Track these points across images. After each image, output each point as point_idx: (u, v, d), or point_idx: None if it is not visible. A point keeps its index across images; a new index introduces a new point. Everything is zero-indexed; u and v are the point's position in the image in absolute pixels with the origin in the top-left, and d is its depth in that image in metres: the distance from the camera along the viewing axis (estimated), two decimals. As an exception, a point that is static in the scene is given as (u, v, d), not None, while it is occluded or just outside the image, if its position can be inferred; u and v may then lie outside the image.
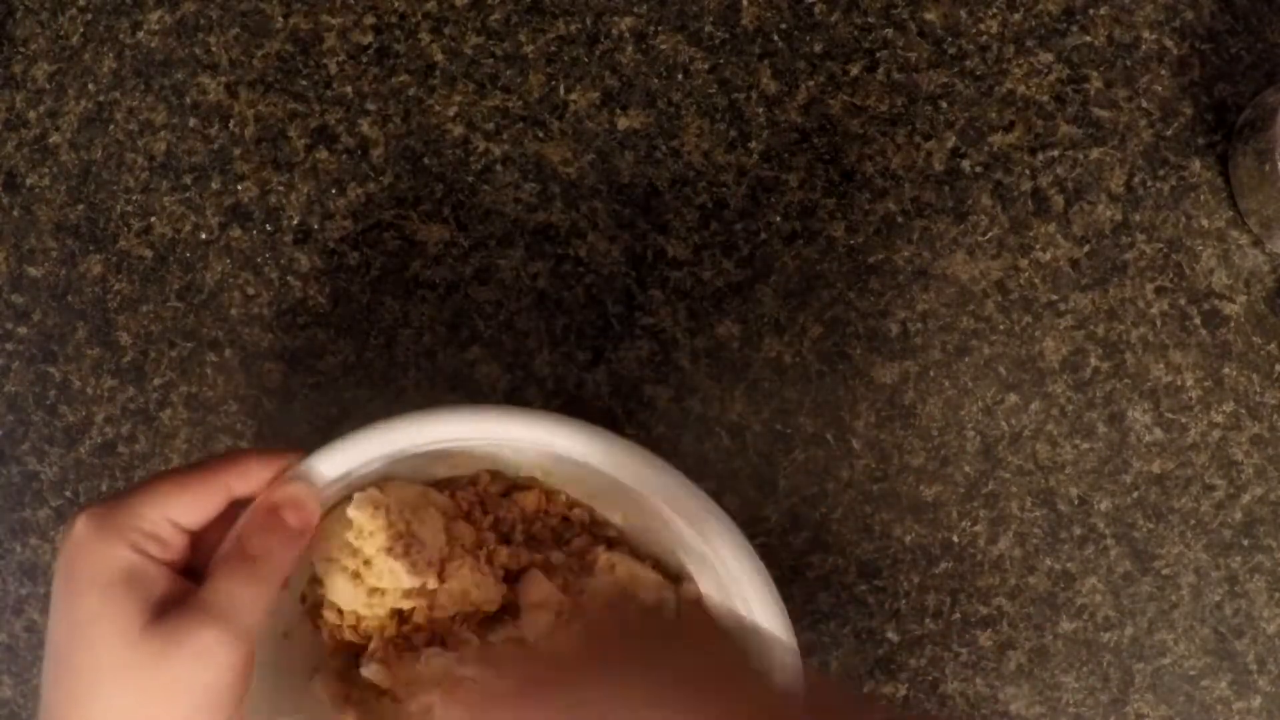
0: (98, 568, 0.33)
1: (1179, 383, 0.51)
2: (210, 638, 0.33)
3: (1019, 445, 0.51)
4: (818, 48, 0.52)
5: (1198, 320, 0.51)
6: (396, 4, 0.52)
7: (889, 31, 0.52)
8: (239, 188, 0.52)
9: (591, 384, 0.51)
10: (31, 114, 0.53)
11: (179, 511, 0.35)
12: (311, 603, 0.41)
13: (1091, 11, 0.52)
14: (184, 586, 0.35)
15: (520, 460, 0.41)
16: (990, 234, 0.51)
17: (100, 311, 0.52)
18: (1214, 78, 0.52)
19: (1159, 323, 0.51)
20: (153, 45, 0.53)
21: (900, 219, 0.51)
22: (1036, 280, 0.51)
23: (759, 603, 0.38)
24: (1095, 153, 0.52)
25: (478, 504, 0.42)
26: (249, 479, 0.36)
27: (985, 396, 0.51)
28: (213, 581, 0.34)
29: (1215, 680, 0.50)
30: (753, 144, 0.52)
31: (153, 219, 0.52)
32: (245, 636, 0.34)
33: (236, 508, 0.37)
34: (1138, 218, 0.51)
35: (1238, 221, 0.51)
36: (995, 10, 0.52)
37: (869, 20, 0.52)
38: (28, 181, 0.52)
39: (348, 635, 0.40)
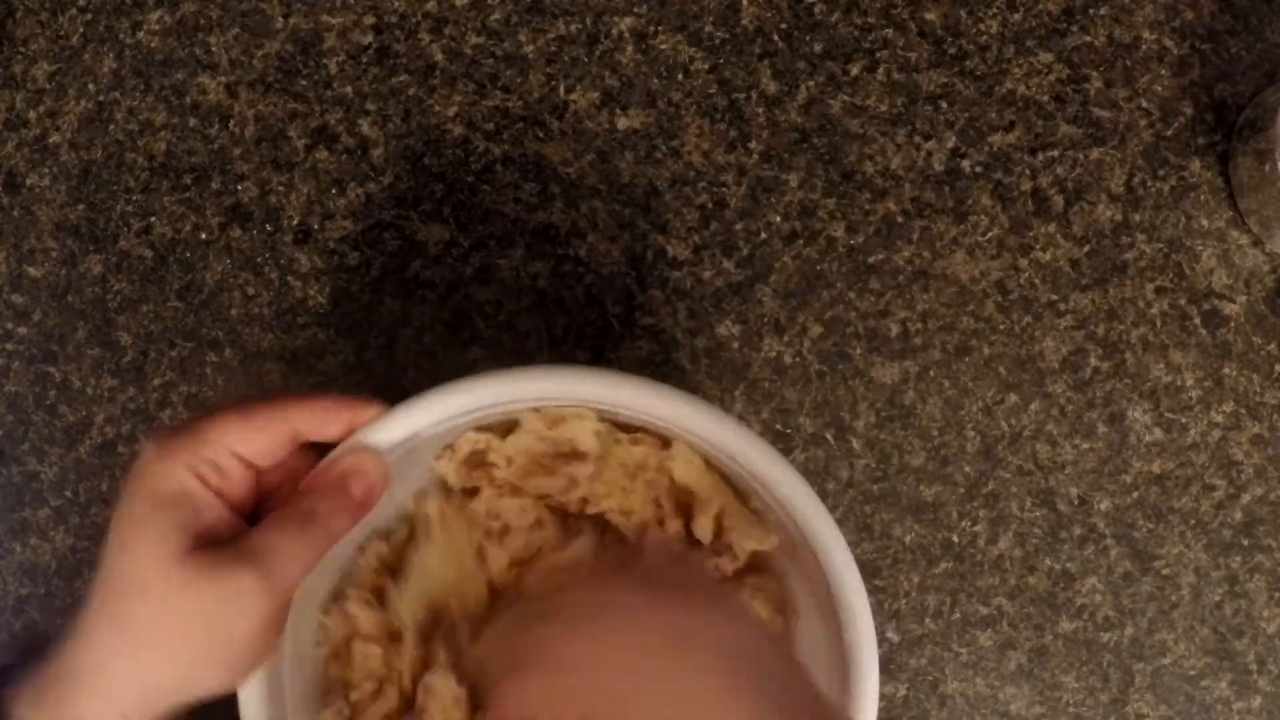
0: (151, 484, 0.33)
1: (1179, 383, 0.51)
2: (245, 582, 0.33)
3: (1019, 445, 0.51)
4: (818, 48, 0.52)
5: (1198, 320, 0.51)
6: (396, 4, 0.52)
7: (889, 31, 0.52)
8: (239, 188, 0.52)
9: (591, 384, 0.51)
10: (31, 114, 0.53)
11: (242, 442, 0.34)
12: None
13: (1091, 11, 0.52)
14: (234, 522, 0.35)
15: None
16: (990, 234, 0.51)
17: (100, 311, 0.52)
18: (1214, 78, 0.52)
19: (1159, 323, 0.51)
20: (153, 45, 0.53)
21: (900, 219, 0.51)
22: (1036, 280, 0.51)
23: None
24: (1095, 153, 0.52)
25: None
26: (318, 423, 0.36)
27: (985, 396, 0.51)
28: (263, 529, 0.34)
29: (1215, 680, 0.50)
30: (753, 144, 0.52)
31: (153, 219, 0.52)
32: (281, 591, 0.34)
33: (305, 453, 0.37)
34: (1138, 218, 0.51)
35: (1238, 221, 0.51)
36: (995, 10, 0.52)
37: (869, 20, 0.52)
38: (28, 181, 0.52)
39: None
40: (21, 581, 0.51)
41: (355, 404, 0.37)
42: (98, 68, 0.53)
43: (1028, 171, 0.51)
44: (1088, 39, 0.52)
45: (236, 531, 0.34)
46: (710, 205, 0.51)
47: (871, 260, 0.51)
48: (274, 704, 0.37)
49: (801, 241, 0.51)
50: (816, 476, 0.51)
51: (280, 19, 0.53)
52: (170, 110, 0.52)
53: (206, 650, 0.33)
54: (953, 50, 0.52)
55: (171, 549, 0.32)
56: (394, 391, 0.51)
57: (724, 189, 0.51)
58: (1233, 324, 0.51)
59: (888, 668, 0.50)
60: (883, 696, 0.50)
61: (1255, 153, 0.49)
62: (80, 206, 0.52)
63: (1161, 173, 0.52)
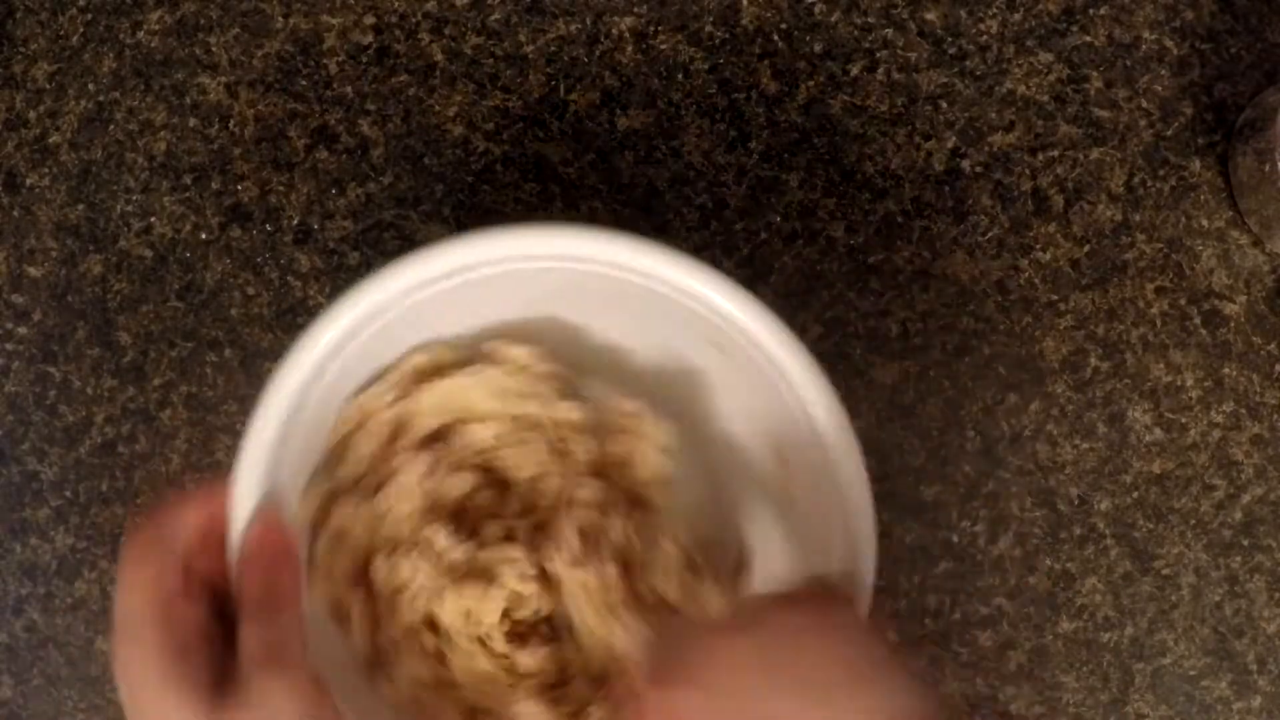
0: (144, 677, 0.33)
1: (1179, 383, 0.51)
2: (271, 687, 0.33)
3: (1019, 445, 0.51)
4: (818, 48, 0.52)
5: (1198, 320, 0.51)
6: (396, 4, 0.52)
7: (889, 31, 0.52)
8: (239, 188, 0.52)
9: (591, 384, 0.51)
10: (31, 114, 0.53)
11: (165, 582, 0.35)
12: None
13: (1091, 11, 0.52)
14: (226, 657, 0.35)
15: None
16: (990, 234, 0.51)
17: (100, 311, 0.52)
18: (1214, 78, 0.52)
19: (1159, 323, 0.51)
20: (153, 45, 0.53)
21: (900, 219, 0.51)
22: (1036, 280, 0.51)
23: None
24: (1095, 153, 0.52)
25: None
26: (193, 521, 0.36)
27: (985, 396, 0.51)
28: (243, 637, 0.34)
29: (1215, 680, 0.50)
30: (753, 144, 0.52)
31: (153, 219, 0.52)
32: (297, 671, 0.34)
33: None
34: (1138, 218, 0.51)
35: (1238, 221, 0.51)
36: (995, 10, 0.52)
37: (869, 20, 0.52)
38: (28, 181, 0.52)
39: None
40: (21, 581, 0.51)
41: (205, 496, 0.37)
42: (98, 68, 0.53)
43: (1028, 171, 0.51)
44: (1088, 39, 0.52)
45: (226, 660, 0.34)
46: (710, 205, 0.51)
47: (871, 260, 0.51)
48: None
49: (801, 241, 0.51)
50: (816, 476, 0.51)
51: (280, 19, 0.53)
52: (170, 110, 0.52)
53: None
54: (953, 50, 0.52)
55: (200, 713, 0.32)
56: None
57: (724, 189, 0.51)
58: (1233, 324, 0.51)
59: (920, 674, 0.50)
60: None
61: (1255, 153, 0.49)
62: (80, 206, 0.52)
63: (1161, 173, 0.52)
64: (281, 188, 0.52)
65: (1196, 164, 0.52)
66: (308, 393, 0.38)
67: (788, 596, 0.36)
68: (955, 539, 0.51)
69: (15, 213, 0.52)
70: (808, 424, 0.39)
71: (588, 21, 0.52)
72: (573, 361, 0.42)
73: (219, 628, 0.35)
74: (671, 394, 0.43)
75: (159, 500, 0.37)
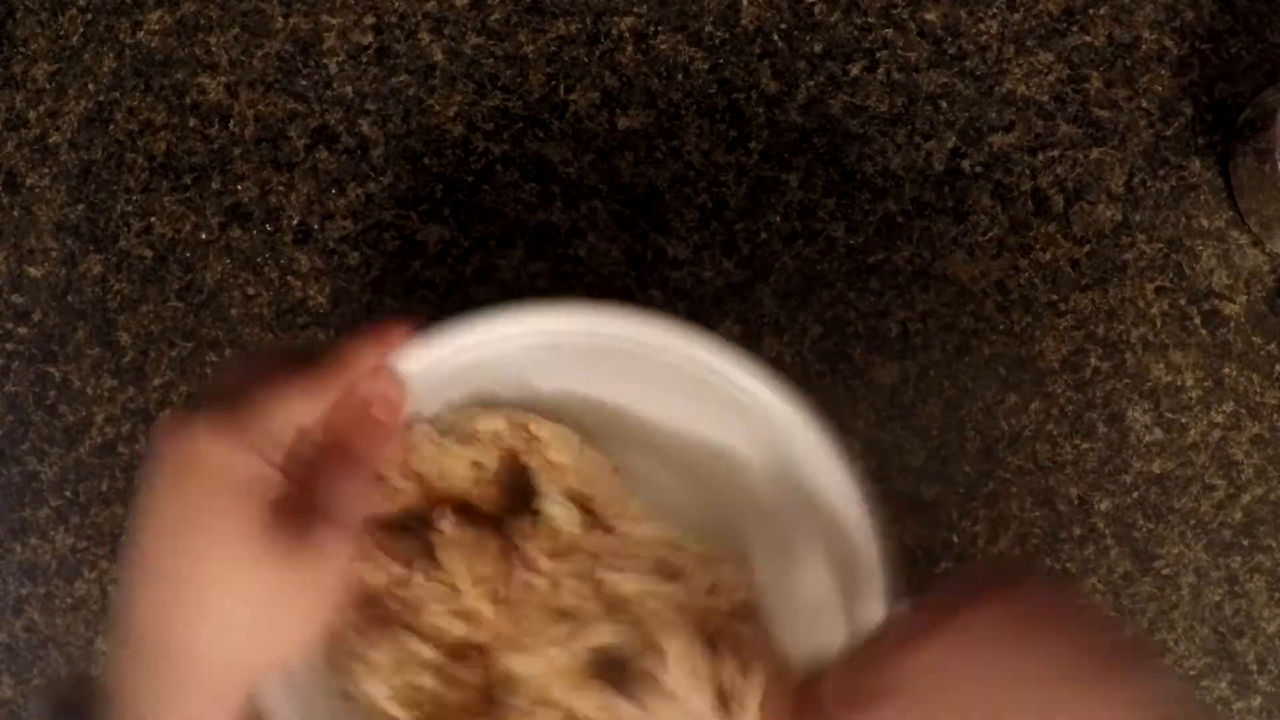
0: (215, 470, 0.32)
1: (1179, 383, 0.51)
2: (331, 536, 0.33)
3: (1019, 445, 0.51)
4: (818, 48, 0.52)
5: (1198, 320, 0.51)
6: (396, 4, 0.52)
7: (889, 31, 0.52)
8: (239, 188, 0.52)
9: (591, 384, 0.51)
10: (31, 114, 0.53)
11: (306, 413, 0.34)
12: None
13: (1091, 11, 0.52)
14: (289, 487, 0.34)
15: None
16: (990, 234, 0.51)
17: (100, 311, 0.52)
18: (1214, 78, 0.52)
19: (1159, 323, 0.51)
20: (153, 45, 0.53)
21: (900, 219, 0.51)
22: (1036, 280, 0.51)
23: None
24: (1095, 153, 0.52)
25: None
26: (364, 372, 0.36)
27: (985, 396, 0.51)
28: (320, 481, 0.34)
29: (1215, 680, 0.50)
30: (753, 144, 0.52)
31: (153, 219, 0.52)
32: (355, 532, 0.34)
33: None
34: (1138, 218, 0.51)
35: (1238, 221, 0.51)
36: (995, 10, 0.52)
37: (869, 20, 0.52)
38: (28, 181, 0.52)
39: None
40: (21, 581, 0.51)
41: (385, 336, 0.36)
42: (98, 68, 0.53)
43: (1028, 171, 0.51)
44: (1088, 39, 0.52)
45: (290, 494, 0.34)
46: (710, 205, 0.51)
47: (871, 260, 0.51)
48: None
49: (801, 241, 0.51)
50: (816, 476, 0.51)
51: (280, 19, 0.53)
52: (170, 110, 0.52)
53: (311, 613, 0.33)
54: (953, 50, 0.52)
55: (251, 538, 0.32)
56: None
57: (724, 189, 0.51)
58: (1233, 324, 0.51)
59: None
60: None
61: (1255, 153, 0.49)
62: (80, 206, 0.52)
63: (1161, 173, 0.52)
64: (281, 188, 0.52)
65: (1196, 164, 0.52)
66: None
67: (977, 586, 0.32)
68: (955, 539, 0.51)
69: (15, 213, 0.52)
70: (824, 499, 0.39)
71: (588, 21, 0.52)
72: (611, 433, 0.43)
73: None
74: (696, 461, 0.43)
75: (351, 339, 0.36)
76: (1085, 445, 0.51)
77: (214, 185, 0.52)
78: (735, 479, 0.42)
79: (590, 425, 0.42)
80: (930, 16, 0.52)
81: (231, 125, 0.52)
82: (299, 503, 0.33)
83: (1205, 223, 0.51)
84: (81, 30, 0.53)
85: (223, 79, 0.52)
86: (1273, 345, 0.51)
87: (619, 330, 0.39)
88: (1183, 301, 0.51)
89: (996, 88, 0.52)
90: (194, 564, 0.32)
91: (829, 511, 0.40)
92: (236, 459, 0.32)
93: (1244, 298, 0.51)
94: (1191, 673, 0.50)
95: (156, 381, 0.52)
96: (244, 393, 0.33)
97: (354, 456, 0.35)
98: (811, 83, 0.52)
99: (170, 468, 0.32)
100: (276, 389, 0.33)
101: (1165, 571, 0.50)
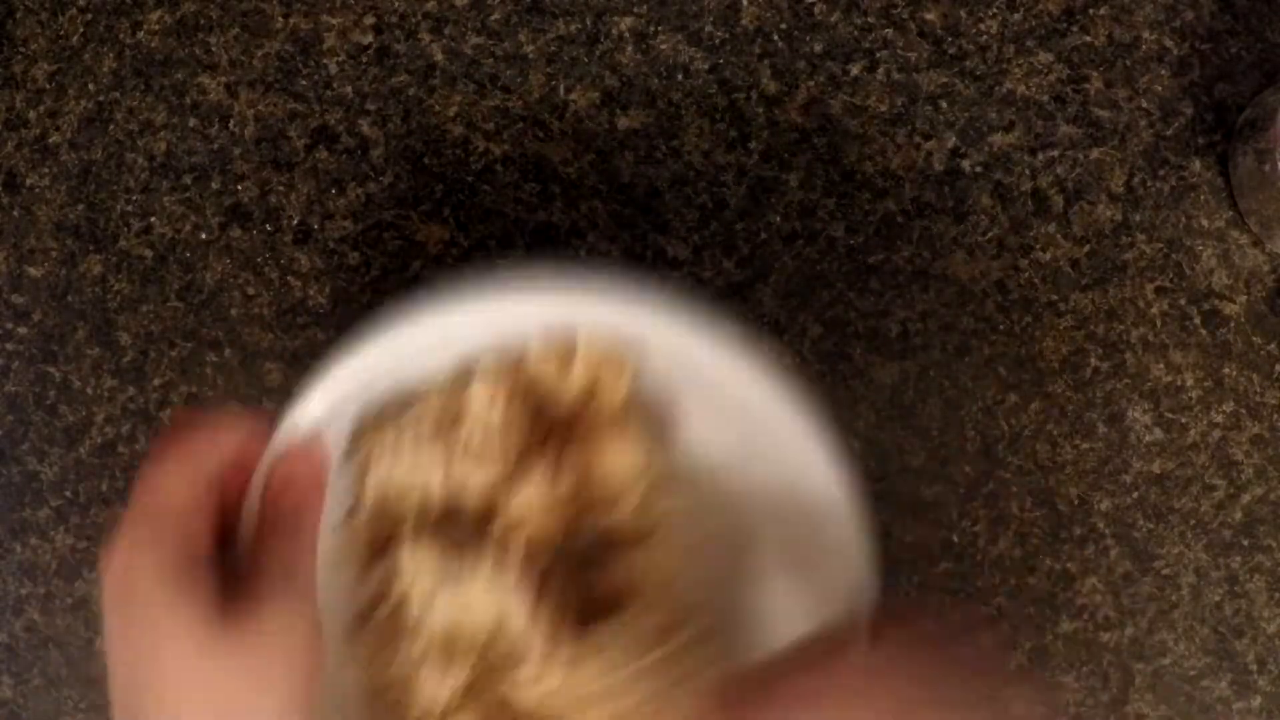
0: (151, 581, 0.32)
1: (1179, 383, 0.51)
2: (285, 608, 0.32)
3: (1019, 445, 0.51)
4: (818, 48, 0.52)
5: (1198, 320, 0.51)
6: (396, 4, 0.52)
7: (889, 31, 0.52)
8: (239, 188, 0.52)
9: (591, 384, 0.51)
10: (31, 114, 0.53)
11: (198, 484, 0.34)
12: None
13: (1091, 11, 0.52)
14: (232, 567, 0.34)
15: None
16: (990, 234, 0.51)
17: (100, 311, 0.52)
18: (1214, 78, 0.52)
19: (1159, 323, 0.51)
20: (153, 45, 0.53)
21: (900, 219, 0.51)
22: (1036, 280, 0.51)
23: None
24: (1095, 153, 0.52)
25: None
26: (231, 445, 0.36)
27: (985, 396, 0.51)
28: (260, 556, 0.34)
29: (1215, 680, 0.50)
30: (753, 144, 0.52)
31: (153, 219, 0.52)
32: (311, 598, 0.34)
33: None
34: (1138, 218, 0.51)
35: (1238, 221, 0.51)
36: (995, 10, 0.52)
37: (869, 20, 0.52)
38: (28, 181, 0.52)
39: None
40: (21, 582, 0.51)
41: (242, 425, 0.36)
42: (98, 68, 0.53)
43: (1028, 171, 0.51)
44: (1088, 39, 0.52)
45: (235, 573, 0.34)
46: (710, 205, 0.51)
47: (871, 260, 0.51)
48: None
49: (801, 241, 0.51)
50: (816, 476, 0.51)
51: (280, 19, 0.53)
52: (170, 110, 0.52)
53: (287, 691, 0.33)
54: (953, 50, 0.52)
55: (206, 627, 0.32)
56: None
57: (724, 189, 0.51)
58: (1233, 324, 0.51)
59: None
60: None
61: (1255, 153, 0.49)
62: (80, 206, 0.52)
63: (1161, 173, 0.52)
64: (281, 188, 0.52)
65: (1196, 164, 0.52)
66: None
67: (895, 614, 0.34)
68: (955, 539, 0.51)
69: (15, 213, 0.52)
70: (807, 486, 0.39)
71: (588, 21, 0.52)
72: None
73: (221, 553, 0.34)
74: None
75: (199, 411, 0.36)
76: (1085, 445, 0.51)
77: (214, 185, 0.52)
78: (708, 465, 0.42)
79: None
80: (930, 16, 0.52)
81: (231, 125, 0.52)
82: (248, 583, 0.33)
83: (1205, 223, 0.51)
84: (81, 30, 0.53)
85: (223, 79, 0.52)
86: (1273, 345, 0.51)
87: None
88: (1183, 301, 0.51)
89: (996, 88, 0.52)
90: (152, 669, 0.32)
91: (809, 500, 0.39)
92: (158, 557, 0.32)
93: (1244, 298, 0.51)
94: (1191, 673, 0.50)
95: (156, 381, 0.52)
96: (138, 500, 0.33)
97: (287, 523, 0.35)
98: (811, 83, 0.52)
99: (110, 592, 0.32)
100: (160, 487, 0.33)
101: (1165, 571, 0.50)
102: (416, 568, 0.39)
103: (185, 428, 0.35)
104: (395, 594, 0.39)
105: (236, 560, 0.35)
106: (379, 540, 0.41)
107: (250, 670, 0.32)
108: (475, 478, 0.40)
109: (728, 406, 0.39)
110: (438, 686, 0.39)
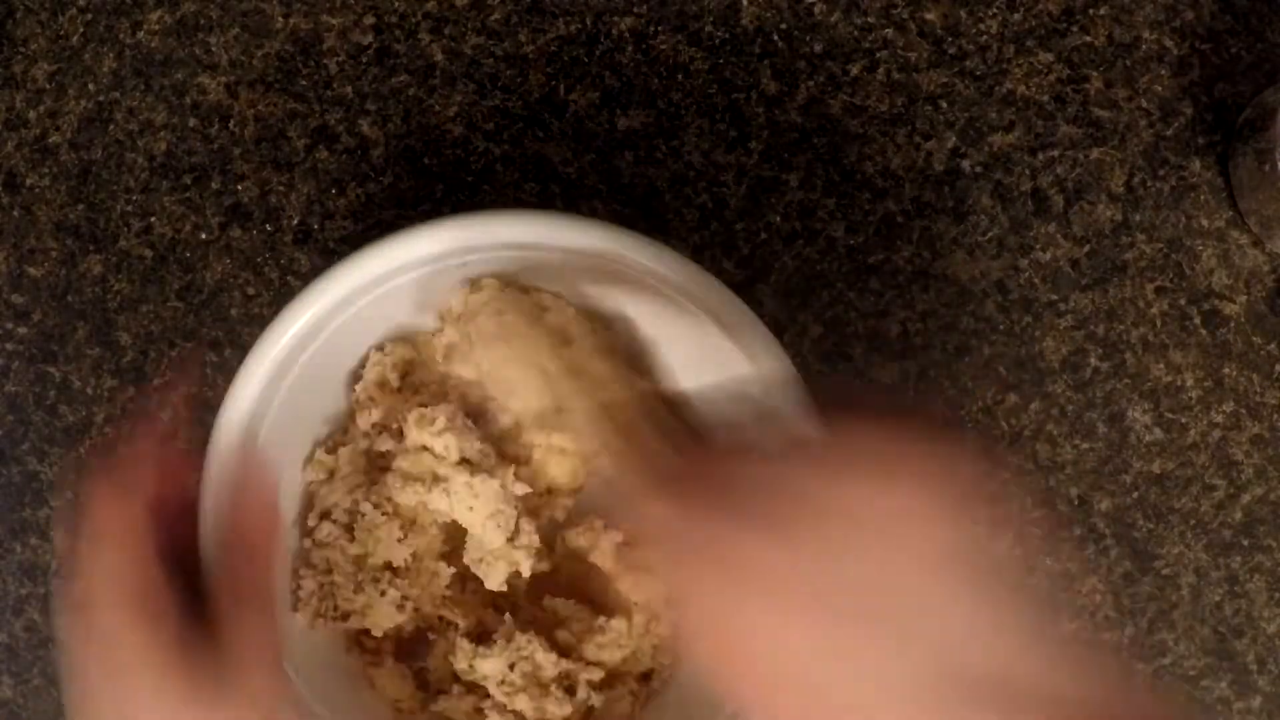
0: (113, 623, 0.32)
1: (1179, 383, 0.51)
2: (263, 684, 0.33)
3: (1019, 445, 0.51)
4: (818, 48, 0.52)
5: (1198, 320, 0.51)
6: (396, 4, 0.52)
7: (889, 31, 0.52)
8: (239, 188, 0.52)
9: (591, 384, 0.51)
10: (31, 114, 0.53)
11: (147, 552, 0.34)
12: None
13: (1091, 11, 0.52)
14: (189, 614, 0.34)
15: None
16: (990, 234, 0.51)
17: (100, 311, 0.52)
18: (1214, 78, 0.52)
19: (1159, 323, 0.51)
20: (153, 45, 0.53)
21: (900, 219, 0.51)
22: (1036, 280, 0.51)
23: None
24: (1095, 153, 0.52)
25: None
26: (153, 480, 0.36)
27: (985, 396, 0.51)
28: (233, 632, 0.34)
29: (1215, 680, 0.50)
30: (753, 144, 0.52)
31: (153, 219, 0.52)
32: (281, 665, 0.34)
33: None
34: (1138, 218, 0.51)
35: (1238, 221, 0.51)
36: (995, 10, 0.52)
37: (869, 20, 0.52)
38: (28, 181, 0.52)
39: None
40: (21, 582, 0.51)
41: (165, 386, 0.37)
42: (98, 68, 0.53)
43: (1028, 171, 0.51)
44: (1088, 39, 0.52)
45: (194, 622, 0.34)
46: (710, 205, 0.51)
47: (871, 260, 0.51)
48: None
49: (801, 241, 0.51)
50: (816, 476, 0.51)
51: (280, 19, 0.53)
52: (170, 110, 0.52)
53: None
54: (953, 50, 0.52)
55: (174, 695, 0.32)
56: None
57: (724, 189, 0.51)
58: (1233, 324, 0.51)
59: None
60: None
61: (1255, 153, 0.49)
62: (80, 206, 0.52)
63: (1161, 173, 0.52)
64: (281, 188, 0.52)
65: (1196, 164, 0.52)
66: (292, 360, 0.40)
67: (878, 458, 0.30)
68: (955, 539, 0.51)
69: (15, 213, 0.52)
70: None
71: (588, 21, 0.52)
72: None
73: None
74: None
75: (111, 456, 0.36)
76: (1085, 445, 0.51)
77: (214, 185, 0.52)
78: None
79: None
80: (930, 16, 0.52)
81: (231, 125, 0.52)
82: (214, 629, 0.33)
83: (1205, 223, 0.51)
84: (81, 30, 0.53)
85: (223, 79, 0.52)
86: (1273, 345, 0.51)
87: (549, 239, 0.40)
88: (1183, 301, 0.51)
89: (996, 88, 0.52)
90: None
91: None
92: (114, 628, 0.32)
93: (1244, 298, 0.51)
94: (1191, 673, 0.50)
95: (156, 382, 0.52)
96: (80, 548, 0.33)
97: (263, 585, 0.35)
98: (811, 83, 0.52)
99: (74, 646, 0.32)
100: (101, 548, 0.33)
101: (1165, 571, 0.50)
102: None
103: (108, 479, 0.35)
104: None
105: (189, 574, 0.35)
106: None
107: None
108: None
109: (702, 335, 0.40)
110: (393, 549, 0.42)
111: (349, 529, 0.42)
